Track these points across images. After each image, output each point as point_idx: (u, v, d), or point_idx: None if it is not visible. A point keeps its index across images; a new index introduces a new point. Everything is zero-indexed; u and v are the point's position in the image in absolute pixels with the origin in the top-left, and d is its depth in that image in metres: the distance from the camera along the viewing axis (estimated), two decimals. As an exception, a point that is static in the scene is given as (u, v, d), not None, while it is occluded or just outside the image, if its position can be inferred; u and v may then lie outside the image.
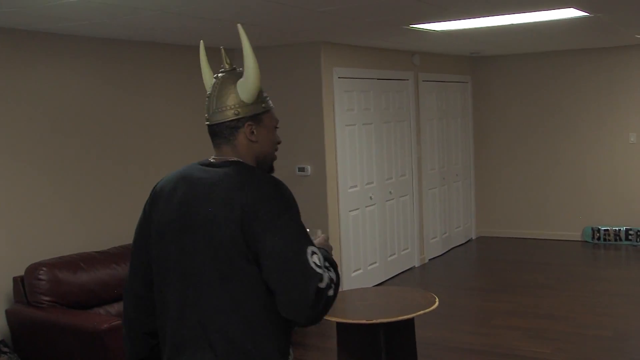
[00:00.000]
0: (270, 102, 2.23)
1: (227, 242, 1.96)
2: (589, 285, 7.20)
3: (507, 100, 9.64)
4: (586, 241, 9.21)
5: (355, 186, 7.11)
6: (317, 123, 6.64)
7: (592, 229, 9.15)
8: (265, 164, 2.21)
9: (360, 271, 7.18)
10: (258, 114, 2.16)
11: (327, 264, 2.04)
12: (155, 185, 2.24)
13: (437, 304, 4.65)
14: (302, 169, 6.74)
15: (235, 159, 2.13)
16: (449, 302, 6.62)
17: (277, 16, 4.83)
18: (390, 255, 7.77)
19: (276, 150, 2.26)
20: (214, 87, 2.20)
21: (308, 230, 2.06)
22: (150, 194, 2.23)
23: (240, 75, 2.20)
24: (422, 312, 4.50)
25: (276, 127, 2.24)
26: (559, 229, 9.43)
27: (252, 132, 2.14)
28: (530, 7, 4.97)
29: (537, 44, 8.20)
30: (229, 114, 2.14)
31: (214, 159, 2.16)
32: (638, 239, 8.88)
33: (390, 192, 7.70)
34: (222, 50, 2.26)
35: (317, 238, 2.22)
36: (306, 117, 6.69)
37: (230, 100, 2.15)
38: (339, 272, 2.08)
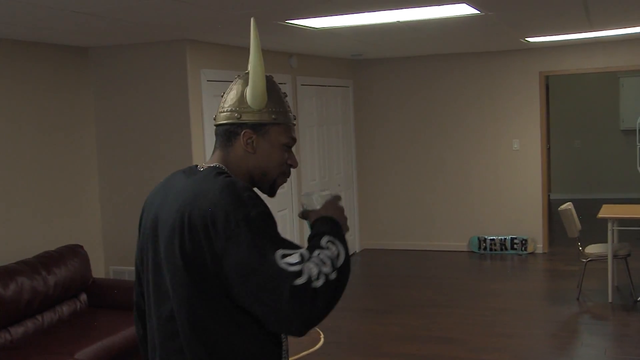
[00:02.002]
0: (287, 116, 1.98)
1: (194, 257, 1.77)
2: (481, 301, 6.81)
3: (390, 106, 9.22)
4: (473, 251, 8.92)
5: (229, 202, 6.37)
6: (183, 131, 5.86)
7: (479, 239, 8.86)
8: (262, 184, 1.99)
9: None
10: (263, 124, 1.93)
11: (321, 254, 1.78)
12: (146, 199, 2.06)
13: (322, 342, 4.10)
14: (167, 184, 5.92)
15: (215, 164, 1.93)
16: (334, 327, 5.99)
17: (126, 5, 4.03)
18: (270, 276, 7.07)
19: (284, 173, 2.00)
20: (229, 86, 2.03)
21: (308, 193, 1.95)
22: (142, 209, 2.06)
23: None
24: (305, 352, 3.95)
25: (288, 146, 1.98)
26: (446, 239, 9.09)
27: (249, 143, 1.93)
28: (420, 2, 4.44)
29: (420, 47, 7.79)
30: (231, 117, 1.95)
31: (201, 165, 1.97)
32: (523, 248, 8.67)
33: (268, 207, 7.01)
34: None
35: (322, 199, 1.95)
36: (171, 125, 5.90)
37: (237, 103, 1.95)
38: (343, 251, 1.82)
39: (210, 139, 6.05)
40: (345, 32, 5.89)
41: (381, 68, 9.17)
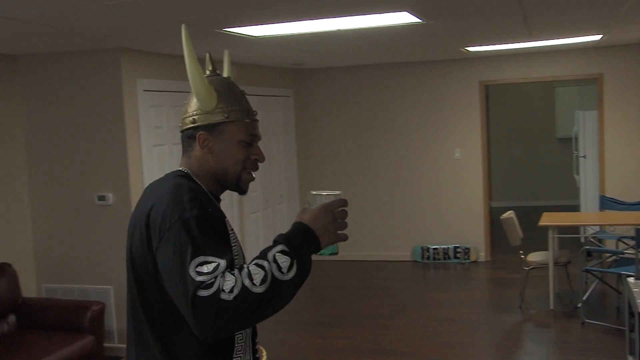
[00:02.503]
0: (242, 113, 2.00)
1: (138, 256, 1.87)
2: (425, 311, 6.77)
3: (332, 115, 9.15)
4: (416, 261, 8.90)
5: (168, 215, 6.17)
6: (118, 143, 5.65)
7: (422, 248, 8.85)
8: (226, 182, 2.01)
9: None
10: (217, 123, 1.96)
11: (254, 266, 1.74)
12: None
13: (265, 357, 4.00)
14: (102, 198, 5.71)
15: (180, 169, 1.99)
16: (277, 342, 5.86)
17: (55, 11, 3.83)
18: (211, 291, 6.88)
19: (247, 169, 2.00)
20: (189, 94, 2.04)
21: (316, 194, 1.92)
22: None
23: (216, 82, 2.02)
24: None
25: (247, 142, 1.99)
26: (389, 250, 9.04)
27: (206, 144, 1.97)
28: (361, 10, 4.36)
29: (362, 56, 7.74)
30: (187, 122, 2.01)
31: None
32: (466, 257, 8.70)
33: (208, 220, 6.83)
34: (207, 56, 2.11)
35: (319, 201, 1.92)
36: (105, 137, 5.68)
37: (191, 108, 2.00)
38: (296, 265, 1.76)
39: (147, 151, 5.85)
40: (285, 41, 5.78)
41: (322, 77, 9.10)
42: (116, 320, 5.75)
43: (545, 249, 6.63)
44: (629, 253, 6.38)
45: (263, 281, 1.71)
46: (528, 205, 12.13)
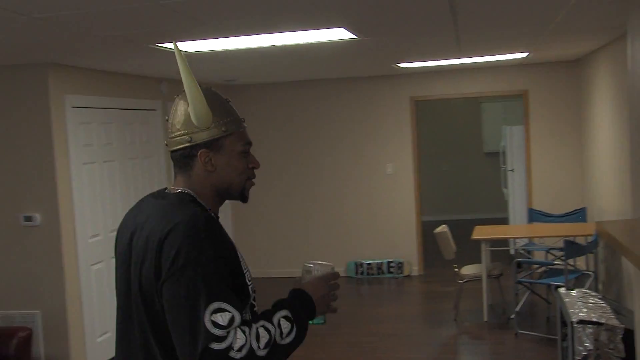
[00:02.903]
0: (236, 123, 1.97)
1: (147, 283, 1.80)
2: (363, 327, 6.76)
3: (264, 131, 9.10)
4: (350, 276, 8.90)
5: (98, 235, 5.99)
6: (46, 162, 5.44)
7: (356, 264, 8.87)
8: (230, 195, 2.00)
9: (108, 334, 6.04)
10: (216, 139, 1.93)
11: (262, 328, 1.77)
12: (120, 225, 2.05)
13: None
14: (29, 218, 5.48)
15: (182, 189, 1.94)
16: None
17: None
18: (143, 312, 6.70)
19: (249, 177, 2.01)
20: (172, 109, 2.00)
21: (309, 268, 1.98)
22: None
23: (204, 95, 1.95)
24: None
25: (245, 151, 1.98)
26: (323, 266, 9.00)
27: (208, 161, 1.93)
28: (299, 26, 4.34)
29: (294, 72, 7.74)
30: (182, 141, 1.94)
31: (168, 189, 2.00)
32: (399, 271, 8.76)
33: (140, 239, 6.66)
34: None
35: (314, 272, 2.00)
36: (32, 155, 5.46)
37: (184, 125, 1.94)
38: (295, 332, 1.83)
39: (77, 169, 5.66)
40: (219, 57, 5.71)
41: (255, 93, 9.05)
42: (44, 346, 5.51)
43: (476, 261, 6.73)
44: (558, 264, 6.55)
45: (267, 345, 1.75)
46: (458, 218, 12.35)
